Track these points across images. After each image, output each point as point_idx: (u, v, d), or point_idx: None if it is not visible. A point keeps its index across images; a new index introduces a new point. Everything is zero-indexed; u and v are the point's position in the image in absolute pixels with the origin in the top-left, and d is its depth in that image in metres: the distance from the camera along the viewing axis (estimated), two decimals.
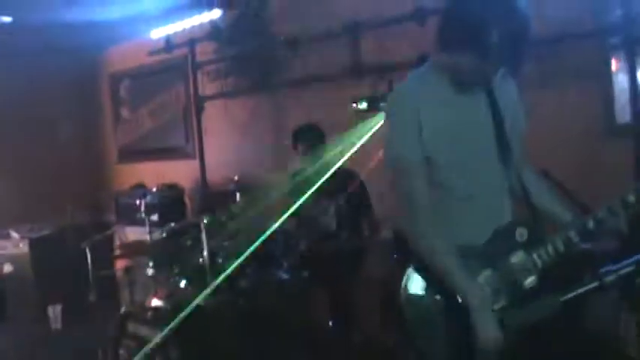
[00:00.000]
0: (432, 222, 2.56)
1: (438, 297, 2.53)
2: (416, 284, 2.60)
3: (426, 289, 2.57)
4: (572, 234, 2.53)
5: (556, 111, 4.68)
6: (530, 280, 2.54)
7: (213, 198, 6.16)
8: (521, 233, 2.58)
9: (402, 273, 2.57)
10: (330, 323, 5.05)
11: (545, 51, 4.63)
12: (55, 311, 7.06)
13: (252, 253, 4.66)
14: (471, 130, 2.64)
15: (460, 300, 2.46)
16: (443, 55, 2.59)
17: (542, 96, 4.66)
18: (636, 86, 4.28)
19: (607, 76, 4.59)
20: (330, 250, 4.99)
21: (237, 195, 4.62)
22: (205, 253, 4.52)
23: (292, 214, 5.27)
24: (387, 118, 2.71)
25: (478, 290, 2.48)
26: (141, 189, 6.25)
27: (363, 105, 5.35)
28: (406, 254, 2.62)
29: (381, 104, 5.29)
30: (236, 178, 4.63)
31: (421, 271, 2.59)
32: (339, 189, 5.14)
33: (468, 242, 2.57)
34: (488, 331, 2.42)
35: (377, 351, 5.12)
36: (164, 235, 4.95)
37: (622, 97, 4.52)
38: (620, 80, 4.53)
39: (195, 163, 7.28)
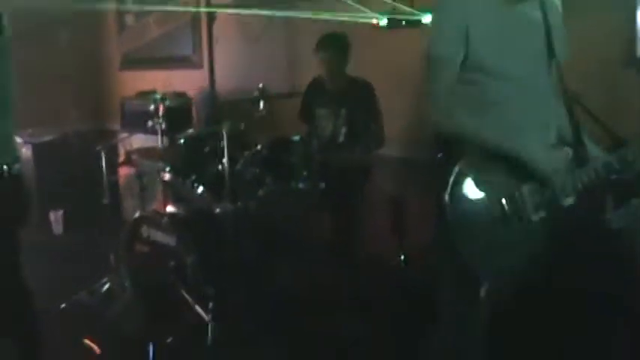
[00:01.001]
0: (458, 108, 2.69)
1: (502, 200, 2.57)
2: (471, 187, 2.59)
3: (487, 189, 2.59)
4: (614, 160, 2.62)
5: (576, 39, 4.64)
6: (569, 199, 2.60)
7: (224, 107, 6.09)
8: (566, 152, 2.61)
9: (445, 175, 2.57)
10: (336, 238, 5.10)
11: None
12: (56, 216, 7.08)
13: (272, 161, 4.68)
14: (522, 36, 2.70)
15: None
16: None
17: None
18: None
19: (631, 7, 4.54)
20: (338, 161, 5.02)
21: (261, 103, 4.58)
22: (225, 160, 4.50)
23: (307, 121, 5.34)
24: (433, 14, 2.82)
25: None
26: (149, 95, 6.15)
27: (384, 21, 5.30)
28: (453, 151, 2.65)
29: (402, 21, 5.25)
30: (260, 85, 4.59)
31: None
32: (351, 97, 5.19)
33: None
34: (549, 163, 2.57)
35: (381, 268, 5.19)
36: (182, 141, 4.92)
37: None
38: None
39: (201, 73, 7.19)
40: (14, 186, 3.39)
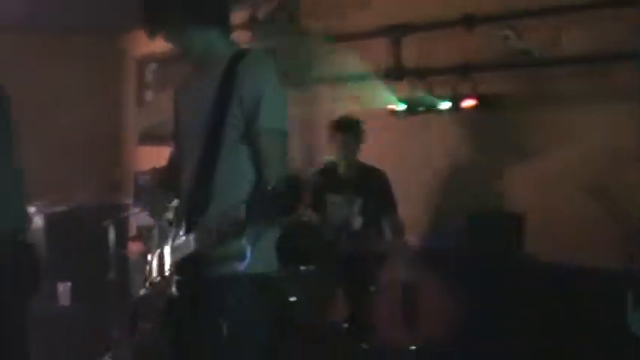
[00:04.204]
0: None
1: None
2: None
3: None
4: None
5: (602, 131, 4.62)
6: None
7: None
8: None
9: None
10: (345, 325, 4.98)
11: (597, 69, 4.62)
12: (64, 288, 7.03)
13: (280, 245, 4.60)
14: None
15: None
16: None
17: (588, 114, 4.65)
18: None
19: None
20: (354, 249, 4.92)
21: None
22: None
23: (317, 208, 5.23)
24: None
25: None
26: None
27: (402, 107, 5.31)
28: None
29: (419, 108, 5.25)
30: None
31: None
32: (366, 186, 5.10)
33: None
34: None
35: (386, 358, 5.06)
36: None
37: None
38: None
39: None
40: (24, 254, 3.34)
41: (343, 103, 5.65)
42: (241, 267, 2.47)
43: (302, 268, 4.62)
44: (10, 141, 3.34)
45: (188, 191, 2.78)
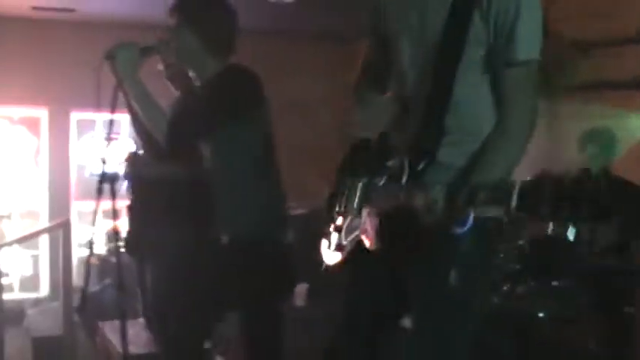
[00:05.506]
0: None
1: None
2: None
3: None
4: None
5: None
6: None
7: None
8: None
9: None
10: (594, 347, 4.75)
11: None
12: (301, 289, 7.20)
13: (534, 258, 4.48)
14: None
15: None
16: None
17: None
18: None
19: None
20: (609, 266, 4.68)
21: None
22: None
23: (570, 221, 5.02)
24: None
25: None
26: None
27: None
28: None
29: None
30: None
31: None
32: (624, 200, 4.82)
33: None
34: None
35: None
36: None
37: None
38: None
39: None
40: (284, 254, 3.46)
41: (595, 114, 5.43)
42: (461, 231, 1.96)
43: (553, 283, 4.46)
44: (271, 137, 3.42)
45: (411, 122, 2.28)
